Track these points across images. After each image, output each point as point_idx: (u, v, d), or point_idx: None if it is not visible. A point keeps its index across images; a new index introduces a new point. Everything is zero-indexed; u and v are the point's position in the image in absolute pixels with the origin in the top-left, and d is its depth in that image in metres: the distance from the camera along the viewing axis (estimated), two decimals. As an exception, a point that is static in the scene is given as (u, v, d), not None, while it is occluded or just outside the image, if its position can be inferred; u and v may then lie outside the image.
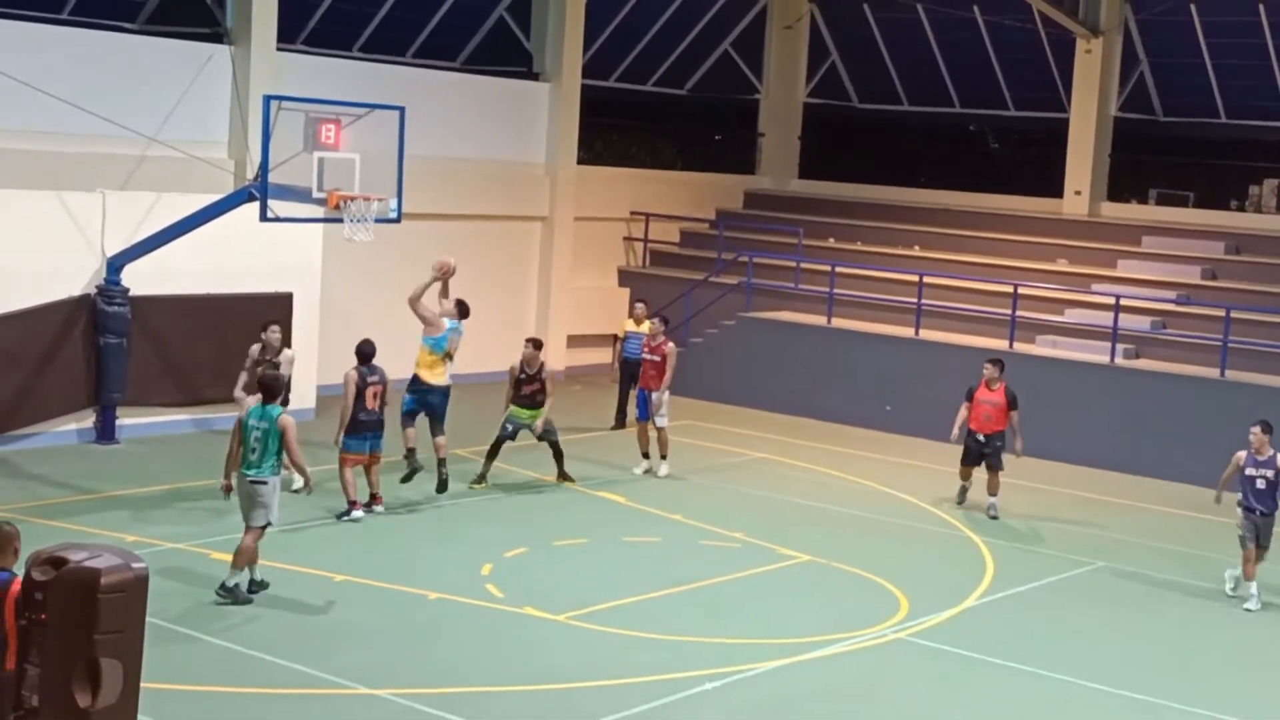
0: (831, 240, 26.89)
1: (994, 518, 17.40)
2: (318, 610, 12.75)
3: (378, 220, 16.62)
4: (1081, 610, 14.26)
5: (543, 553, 14.92)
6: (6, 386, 17.58)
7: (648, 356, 18.74)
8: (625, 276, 27.16)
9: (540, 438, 17.37)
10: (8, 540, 7.56)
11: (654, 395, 18.38)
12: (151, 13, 20.90)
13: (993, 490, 17.50)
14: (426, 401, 16.45)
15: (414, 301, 16.30)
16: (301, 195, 16.34)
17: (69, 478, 16.63)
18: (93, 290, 18.19)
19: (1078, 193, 26.75)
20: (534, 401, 17.14)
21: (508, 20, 25.20)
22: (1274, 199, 26.53)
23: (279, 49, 21.25)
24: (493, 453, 17.25)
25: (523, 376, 17.15)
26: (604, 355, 25.58)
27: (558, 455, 17.58)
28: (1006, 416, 17.41)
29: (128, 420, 18.65)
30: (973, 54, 28.22)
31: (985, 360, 17.94)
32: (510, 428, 17.20)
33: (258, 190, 16.37)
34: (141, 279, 18.24)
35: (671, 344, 18.74)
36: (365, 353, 15.55)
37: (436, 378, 16.45)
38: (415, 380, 16.49)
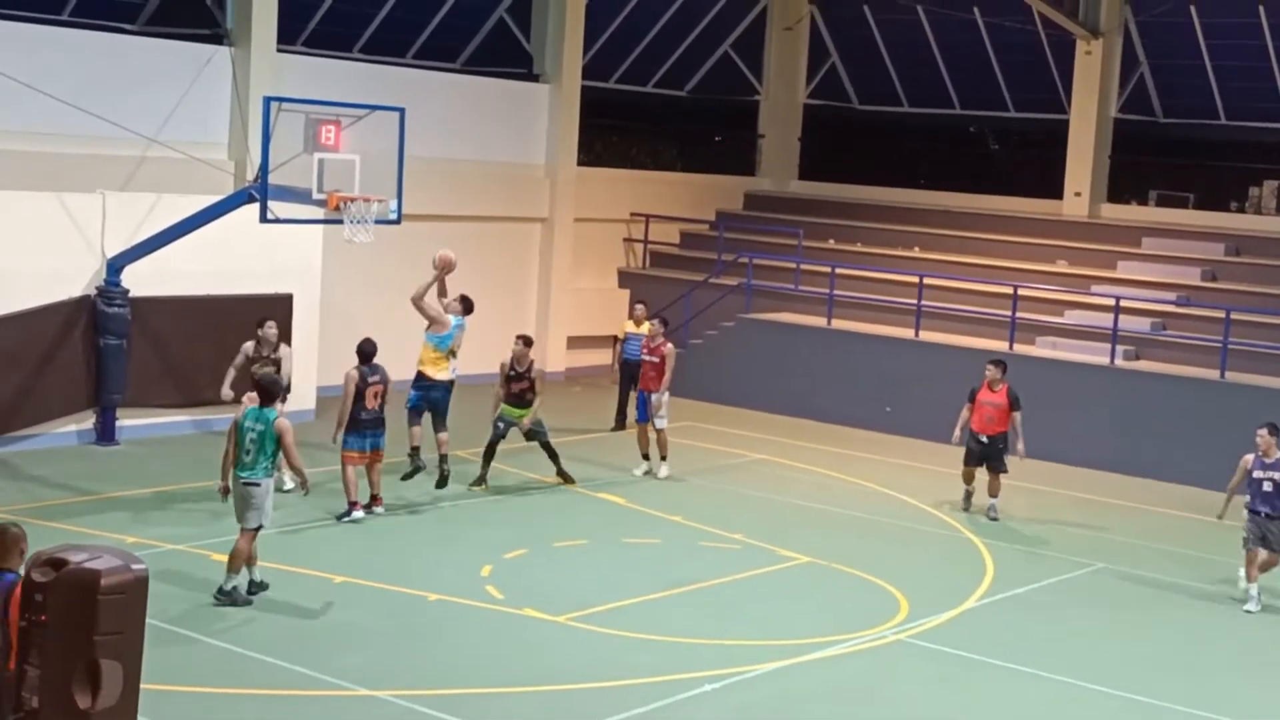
0: (831, 241, 26.88)
1: (994, 519, 17.40)
2: (318, 611, 12.74)
3: (378, 221, 16.61)
4: (1081, 612, 14.26)
5: (543, 554, 14.92)
6: (6, 387, 17.57)
7: (647, 358, 18.73)
8: (625, 278, 27.16)
9: (529, 437, 17.32)
10: (14, 542, 7.56)
11: (653, 397, 18.37)
12: (151, 14, 20.90)
13: (993, 492, 17.50)
14: (430, 398, 16.45)
15: (418, 300, 16.30)
16: (301, 196, 16.34)
17: (69, 479, 16.63)
18: (93, 291, 18.19)
19: (1078, 194, 26.75)
20: (523, 400, 17.12)
21: (508, 21, 25.20)
22: (1274, 200, 26.54)
23: (279, 50, 21.25)
24: (489, 454, 17.25)
25: (512, 374, 17.14)
26: (604, 357, 25.58)
27: (552, 455, 17.54)
28: (1009, 418, 17.38)
29: (128, 421, 18.65)
30: (973, 55, 28.22)
31: (987, 361, 17.90)
32: (502, 427, 17.19)
33: (258, 191, 16.37)
34: (141, 280, 18.24)
35: (670, 345, 18.73)
36: (366, 352, 15.56)
37: (441, 373, 16.48)
38: (420, 376, 16.49)
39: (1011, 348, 21.81)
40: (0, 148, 18.43)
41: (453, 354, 16.64)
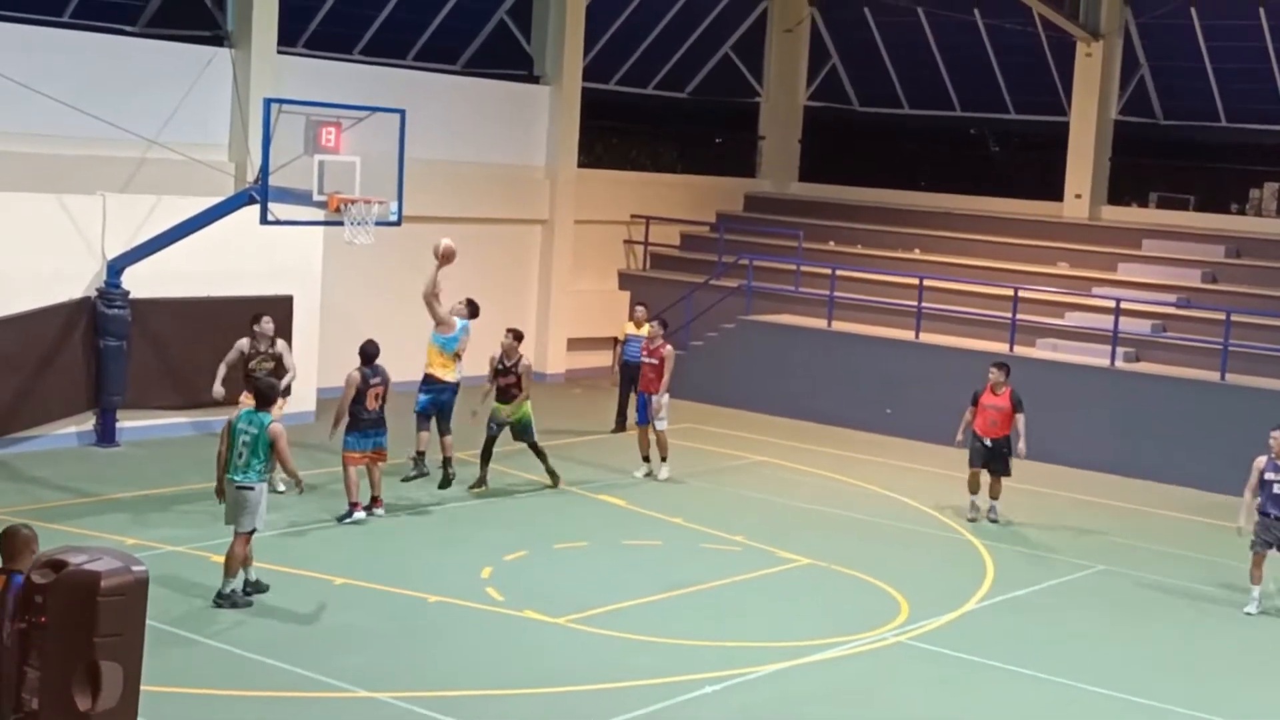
0: (832, 243, 26.88)
1: (994, 521, 17.38)
2: (317, 613, 12.74)
3: (378, 223, 16.61)
4: (1082, 614, 14.26)
5: (543, 556, 14.91)
6: (6, 389, 17.57)
7: (646, 360, 18.73)
8: (625, 279, 27.16)
9: (517, 437, 17.26)
10: (25, 544, 7.54)
11: (653, 399, 18.36)
12: (152, 15, 20.90)
13: (994, 494, 17.47)
14: (440, 401, 16.47)
15: (429, 296, 16.32)
16: (302, 198, 16.34)
17: (69, 480, 16.63)
18: (93, 293, 18.19)
19: (1078, 196, 26.76)
20: (508, 395, 17.09)
21: (508, 23, 25.20)
22: (1274, 202, 26.53)
23: (279, 52, 21.25)
24: (485, 455, 17.23)
25: (500, 368, 17.12)
26: (604, 358, 25.57)
27: (539, 454, 17.44)
28: (1012, 420, 17.30)
29: (128, 423, 18.65)
30: (973, 57, 28.22)
31: (990, 364, 17.76)
32: (495, 427, 17.17)
33: (258, 193, 16.36)
34: (142, 282, 18.24)
35: (669, 347, 18.71)
36: (369, 353, 15.57)
37: (450, 375, 16.48)
38: (430, 379, 16.48)
39: (1012, 350, 21.81)
40: (0, 149, 18.43)
41: (458, 357, 16.65)
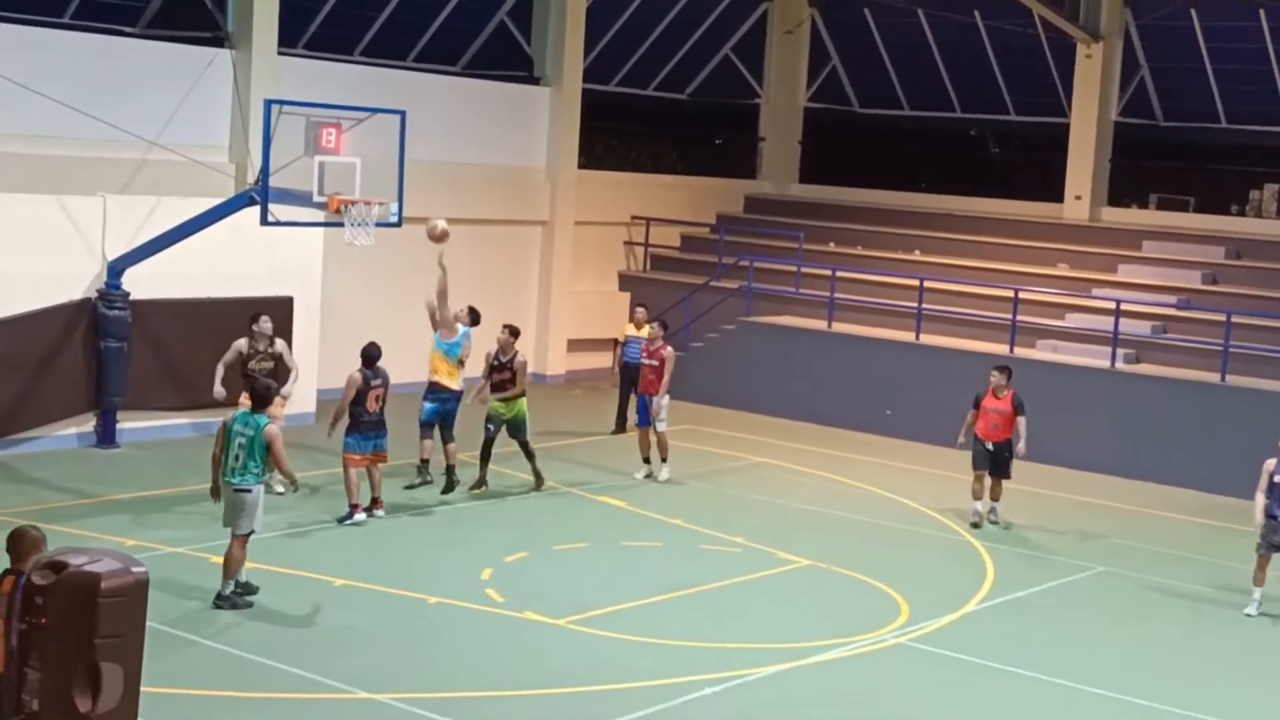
0: (832, 245, 26.88)
1: (994, 523, 17.37)
2: (318, 614, 12.74)
3: (378, 224, 16.61)
4: (1082, 615, 14.26)
5: (543, 557, 14.92)
6: (7, 390, 17.57)
7: (647, 361, 18.72)
8: (626, 281, 27.16)
9: (510, 435, 17.22)
10: (33, 545, 7.56)
11: (654, 400, 18.36)
12: (152, 17, 20.91)
13: (995, 496, 17.45)
14: (446, 409, 16.47)
15: (440, 298, 16.32)
16: (302, 199, 16.34)
17: (69, 482, 16.63)
18: (93, 294, 18.19)
19: (1078, 197, 26.75)
20: (502, 390, 17.05)
21: (509, 25, 25.21)
22: (1274, 204, 26.54)
23: (280, 53, 21.25)
24: (484, 455, 17.21)
25: (495, 363, 17.11)
26: (604, 360, 25.56)
27: (529, 455, 17.38)
28: (1013, 424, 17.18)
29: (128, 424, 18.65)
30: (973, 59, 28.22)
31: (993, 367, 17.61)
32: (492, 428, 17.16)
33: (258, 194, 16.37)
34: (142, 283, 18.24)
35: (669, 348, 18.71)
36: (370, 355, 15.58)
37: (455, 383, 16.48)
38: (436, 386, 16.45)
39: (1012, 351, 21.81)
40: (1, 150, 18.43)
41: (461, 364, 16.65)
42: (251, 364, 16.20)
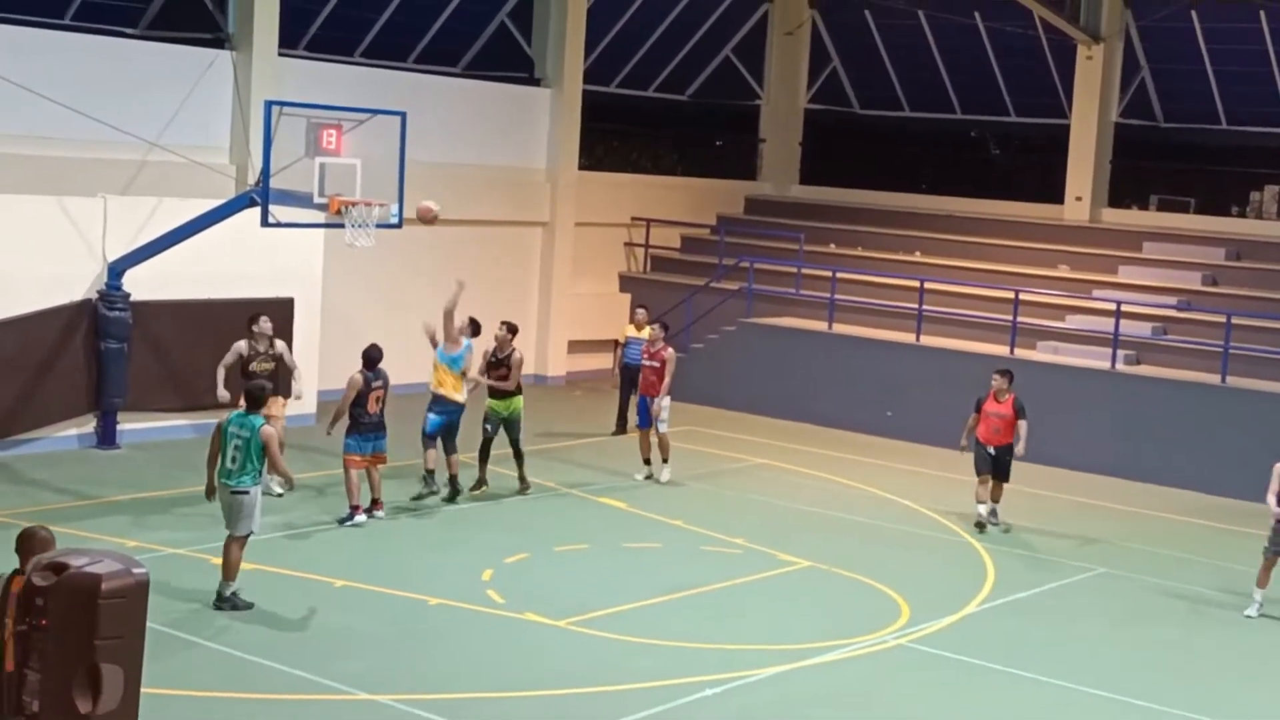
0: (832, 246, 26.89)
1: (995, 524, 17.36)
2: (318, 615, 12.74)
3: (379, 225, 16.60)
4: (1082, 616, 14.25)
5: (543, 558, 14.91)
6: (7, 392, 17.57)
7: (648, 363, 18.72)
8: (626, 282, 27.16)
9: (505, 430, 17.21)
10: (43, 545, 7.57)
11: (655, 401, 18.36)
12: (153, 18, 20.91)
13: (995, 498, 17.42)
14: (452, 422, 16.45)
15: (447, 315, 16.33)
16: (303, 200, 16.35)
17: (69, 483, 16.63)
18: (94, 295, 18.19)
19: (1079, 199, 26.76)
20: (500, 389, 17.03)
21: (509, 26, 25.21)
22: (1275, 205, 26.54)
23: (280, 54, 21.25)
24: (483, 455, 17.19)
25: (493, 360, 17.11)
26: (605, 361, 25.55)
27: (518, 456, 17.30)
28: (1015, 428, 17.08)
29: (128, 425, 18.65)
30: (974, 60, 28.23)
31: (994, 371, 17.49)
32: (490, 428, 17.15)
33: (259, 195, 16.37)
34: (142, 284, 18.24)
35: (671, 349, 18.72)
36: (372, 357, 15.58)
37: (459, 394, 16.46)
38: (440, 399, 16.39)
39: (1012, 352, 21.82)
40: (1, 151, 18.44)
41: (464, 375, 16.65)
42: (253, 365, 16.19)
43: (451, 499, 16.58)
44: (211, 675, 11.19)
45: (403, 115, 17.09)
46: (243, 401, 13.07)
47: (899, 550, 16.16)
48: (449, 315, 16.47)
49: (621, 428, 21.32)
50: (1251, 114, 26.08)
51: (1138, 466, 20.40)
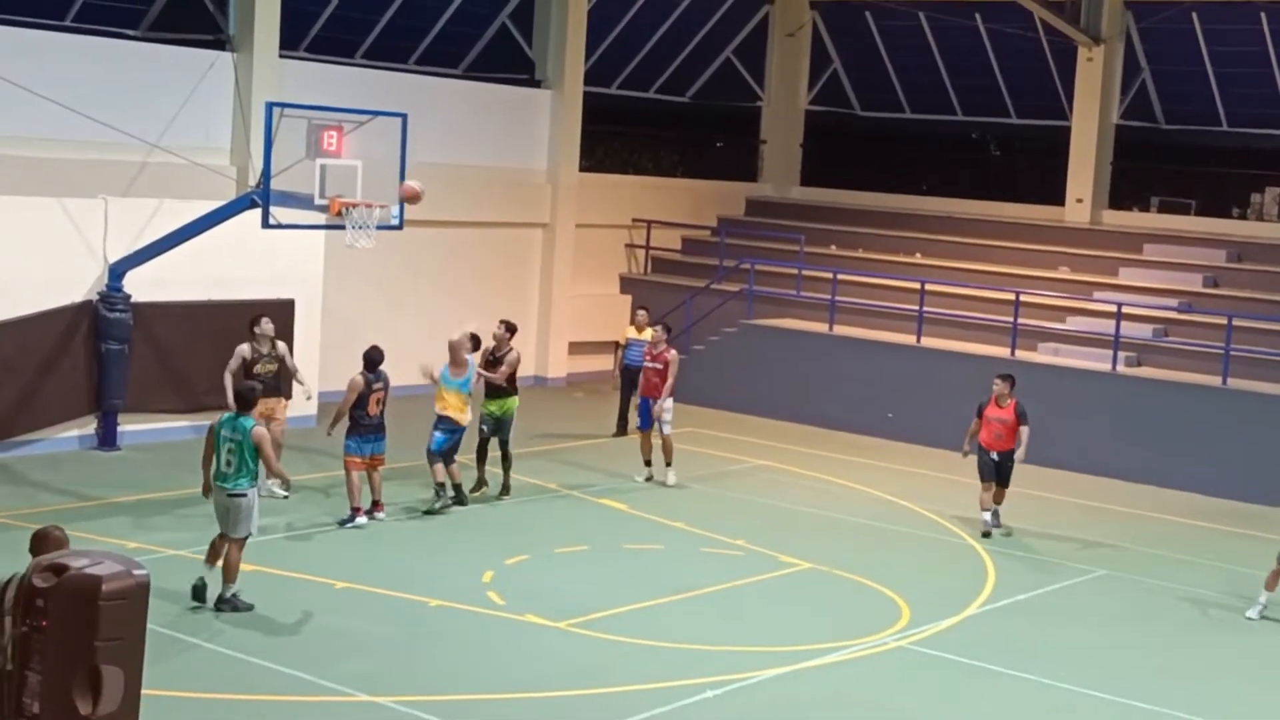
0: (833, 247, 26.88)
1: (996, 526, 17.35)
2: (318, 617, 12.73)
3: (380, 227, 16.61)
4: (1083, 618, 14.25)
5: (544, 560, 14.91)
6: (8, 393, 17.58)
7: (649, 364, 18.72)
8: (627, 283, 27.16)
9: (495, 431, 17.19)
10: (56, 545, 7.57)
11: (656, 404, 18.35)
12: (154, 20, 20.91)
13: (997, 500, 17.40)
14: (456, 440, 16.42)
15: (451, 345, 16.36)
16: (304, 202, 16.35)
17: (70, 484, 16.63)
18: (94, 297, 18.19)
19: (1079, 200, 26.75)
20: (495, 386, 17.02)
21: (510, 27, 25.21)
22: (1275, 207, 26.51)
23: (281, 56, 21.26)
24: (480, 456, 17.18)
25: (491, 359, 17.11)
26: (605, 362, 25.54)
27: (505, 460, 17.24)
28: (1016, 433, 17.00)
29: (129, 427, 18.65)
30: (975, 62, 28.22)
31: (995, 376, 17.38)
32: (486, 429, 17.14)
33: (260, 197, 16.38)
34: (143, 286, 18.24)
35: (674, 351, 18.73)
36: (373, 359, 15.57)
37: (464, 416, 16.41)
38: (446, 420, 16.32)
39: (1013, 354, 21.82)
40: (2, 153, 18.44)
41: (470, 396, 16.64)
42: (256, 367, 16.20)
43: (459, 503, 16.57)
44: (212, 677, 11.18)
45: (403, 117, 17.10)
46: (233, 403, 13.07)
47: (900, 552, 16.15)
48: (451, 346, 16.41)
49: (622, 429, 21.32)
50: (1252, 115, 26.07)
51: (1138, 468, 20.39)
